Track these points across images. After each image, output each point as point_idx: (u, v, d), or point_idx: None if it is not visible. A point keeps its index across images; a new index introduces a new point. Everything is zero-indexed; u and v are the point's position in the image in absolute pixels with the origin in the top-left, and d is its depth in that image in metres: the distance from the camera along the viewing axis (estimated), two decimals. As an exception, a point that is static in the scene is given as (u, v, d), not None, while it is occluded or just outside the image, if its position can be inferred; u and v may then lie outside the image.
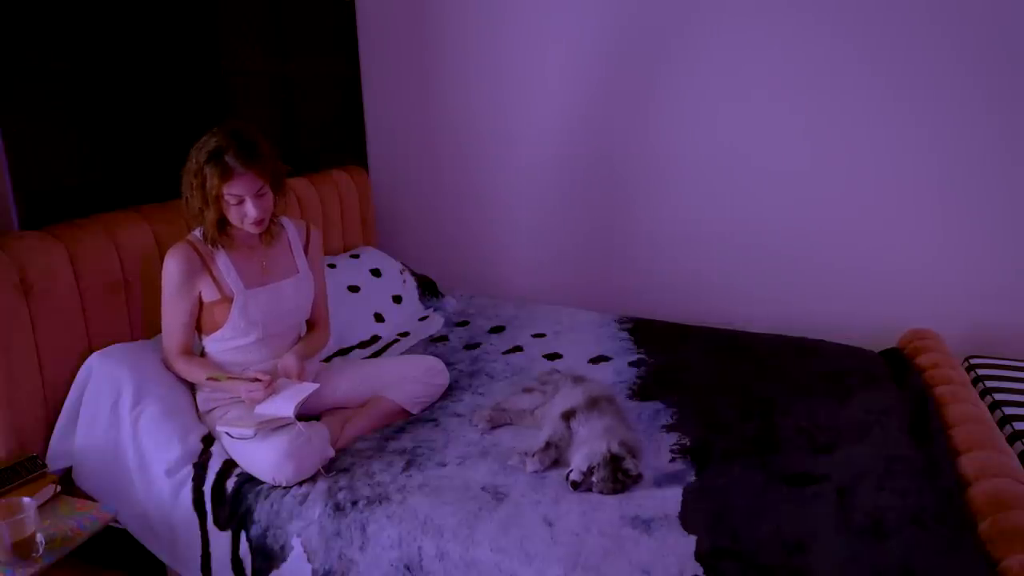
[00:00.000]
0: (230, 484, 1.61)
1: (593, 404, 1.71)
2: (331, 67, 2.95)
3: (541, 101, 2.90)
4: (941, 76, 2.39)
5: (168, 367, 1.78)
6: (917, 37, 2.38)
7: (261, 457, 1.59)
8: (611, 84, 2.78)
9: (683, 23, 2.62)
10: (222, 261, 1.73)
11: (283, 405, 1.62)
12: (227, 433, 1.65)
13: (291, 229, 1.89)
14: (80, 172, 1.88)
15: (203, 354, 1.81)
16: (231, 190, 1.61)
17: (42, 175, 1.78)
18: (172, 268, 1.68)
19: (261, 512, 1.55)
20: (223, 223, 1.69)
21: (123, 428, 1.69)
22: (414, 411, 1.92)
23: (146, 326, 1.94)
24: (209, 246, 1.71)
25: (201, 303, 1.74)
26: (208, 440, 1.72)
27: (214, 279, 1.71)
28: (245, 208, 1.65)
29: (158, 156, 2.10)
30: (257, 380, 1.66)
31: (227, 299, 1.72)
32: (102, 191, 1.94)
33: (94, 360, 1.74)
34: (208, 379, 1.72)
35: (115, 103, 1.96)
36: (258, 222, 1.68)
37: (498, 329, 2.56)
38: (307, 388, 1.68)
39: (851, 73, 2.47)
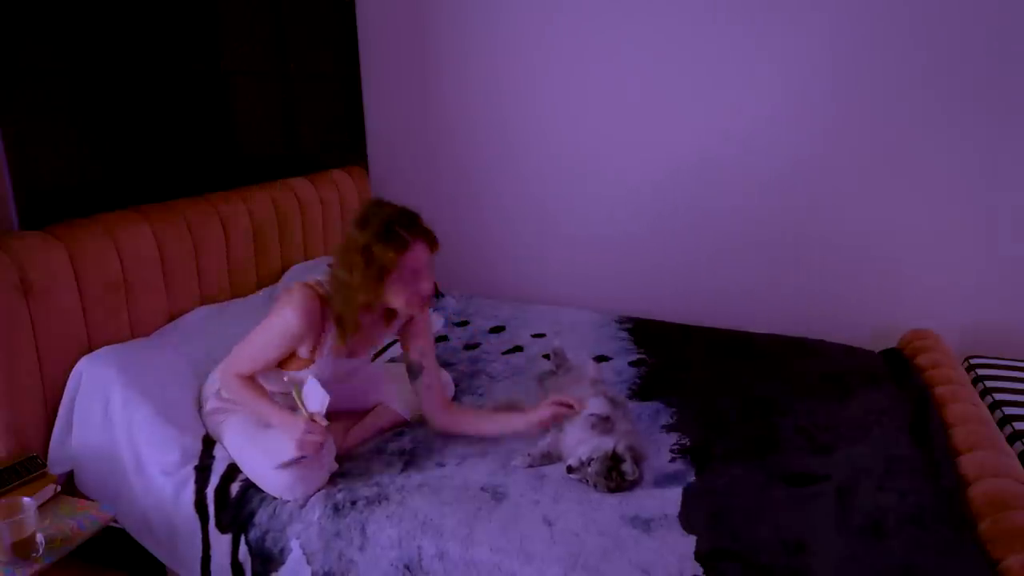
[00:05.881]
0: (234, 488, 1.60)
1: (617, 405, 1.75)
2: (331, 67, 2.95)
3: (540, 101, 2.90)
4: (941, 77, 2.39)
5: (222, 378, 1.68)
6: (911, 39, 2.38)
7: (272, 478, 1.55)
8: (611, 82, 2.78)
9: (680, 21, 2.62)
10: (331, 329, 1.60)
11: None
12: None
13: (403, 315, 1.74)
14: (80, 172, 1.88)
15: None
16: (408, 263, 1.51)
17: (42, 175, 1.78)
18: (293, 321, 1.53)
19: (262, 516, 1.55)
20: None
21: (117, 430, 1.68)
22: (412, 419, 1.90)
23: (146, 326, 1.94)
24: (334, 326, 1.57)
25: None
26: (208, 441, 1.71)
27: (317, 342, 1.60)
28: (420, 283, 1.54)
29: (158, 156, 2.10)
30: (313, 422, 1.51)
31: (313, 360, 1.63)
32: (102, 191, 1.94)
33: (83, 364, 1.73)
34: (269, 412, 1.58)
35: (115, 103, 1.96)
36: (427, 300, 1.56)
37: (498, 329, 2.56)
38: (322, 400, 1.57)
39: (853, 74, 2.47)
